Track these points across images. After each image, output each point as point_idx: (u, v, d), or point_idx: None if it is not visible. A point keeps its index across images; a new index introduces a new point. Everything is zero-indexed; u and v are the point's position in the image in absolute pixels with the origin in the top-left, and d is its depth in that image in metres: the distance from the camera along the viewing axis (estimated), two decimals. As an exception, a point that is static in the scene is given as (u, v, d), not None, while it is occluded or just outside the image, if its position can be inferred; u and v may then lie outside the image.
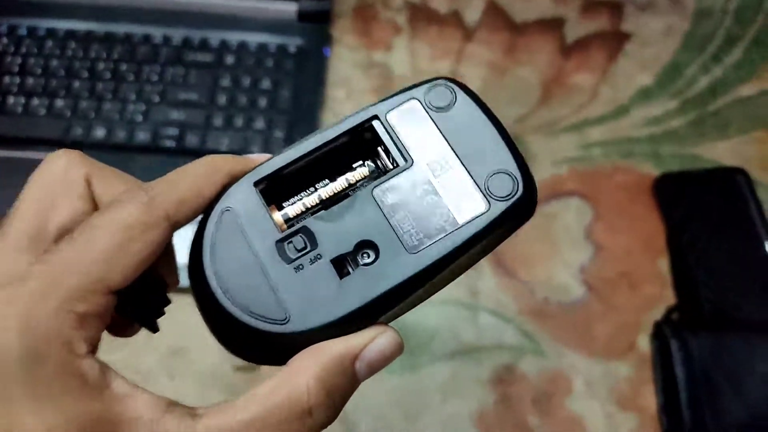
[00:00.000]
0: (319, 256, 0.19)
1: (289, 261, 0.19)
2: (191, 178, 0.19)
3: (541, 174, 0.54)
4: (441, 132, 0.20)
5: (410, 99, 0.21)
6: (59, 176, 0.19)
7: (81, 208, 0.19)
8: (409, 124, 0.21)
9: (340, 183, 0.20)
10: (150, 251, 0.18)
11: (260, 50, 0.56)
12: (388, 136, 0.21)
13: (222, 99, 0.54)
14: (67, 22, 0.57)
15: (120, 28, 0.57)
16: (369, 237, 0.19)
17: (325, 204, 0.20)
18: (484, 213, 0.20)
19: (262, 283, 0.19)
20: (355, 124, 0.21)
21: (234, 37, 0.57)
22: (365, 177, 0.21)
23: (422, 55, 0.59)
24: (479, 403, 0.46)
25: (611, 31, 0.61)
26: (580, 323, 0.49)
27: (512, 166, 0.20)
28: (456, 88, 0.21)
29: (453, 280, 0.21)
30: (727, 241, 0.51)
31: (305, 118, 0.54)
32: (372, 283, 0.19)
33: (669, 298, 0.50)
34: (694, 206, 0.52)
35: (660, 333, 0.48)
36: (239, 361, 0.22)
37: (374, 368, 0.19)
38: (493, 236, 0.20)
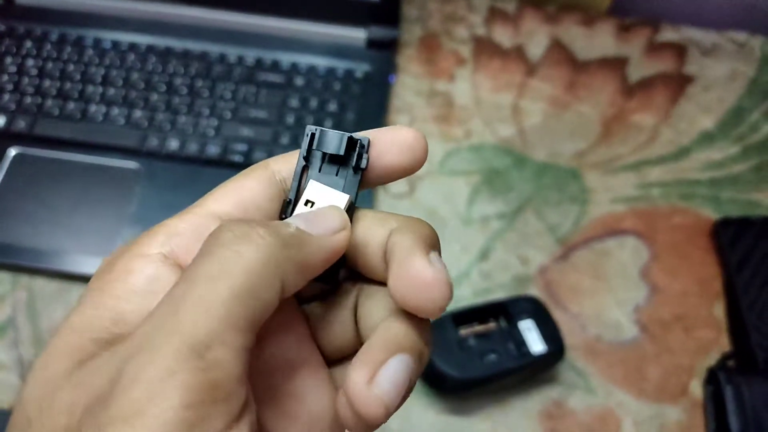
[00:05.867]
0: None
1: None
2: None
3: (597, 210, 0.55)
4: None
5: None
6: None
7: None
8: None
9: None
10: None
11: (329, 74, 0.58)
12: None
13: (290, 118, 0.56)
14: (147, 37, 0.60)
15: (197, 46, 0.59)
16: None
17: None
18: None
19: None
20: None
21: (304, 60, 0.59)
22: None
23: (484, 87, 0.61)
24: (527, 435, 0.46)
25: (674, 73, 0.62)
26: (631, 363, 0.49)
27: None
28: None
29: None
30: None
31: (368, 142, 0.56)
32: None
33: (724, 343, 0.50)
34: (751, 252, 0.52)
35: (714, 379, 0.47)
36: None
37: None
38: None
